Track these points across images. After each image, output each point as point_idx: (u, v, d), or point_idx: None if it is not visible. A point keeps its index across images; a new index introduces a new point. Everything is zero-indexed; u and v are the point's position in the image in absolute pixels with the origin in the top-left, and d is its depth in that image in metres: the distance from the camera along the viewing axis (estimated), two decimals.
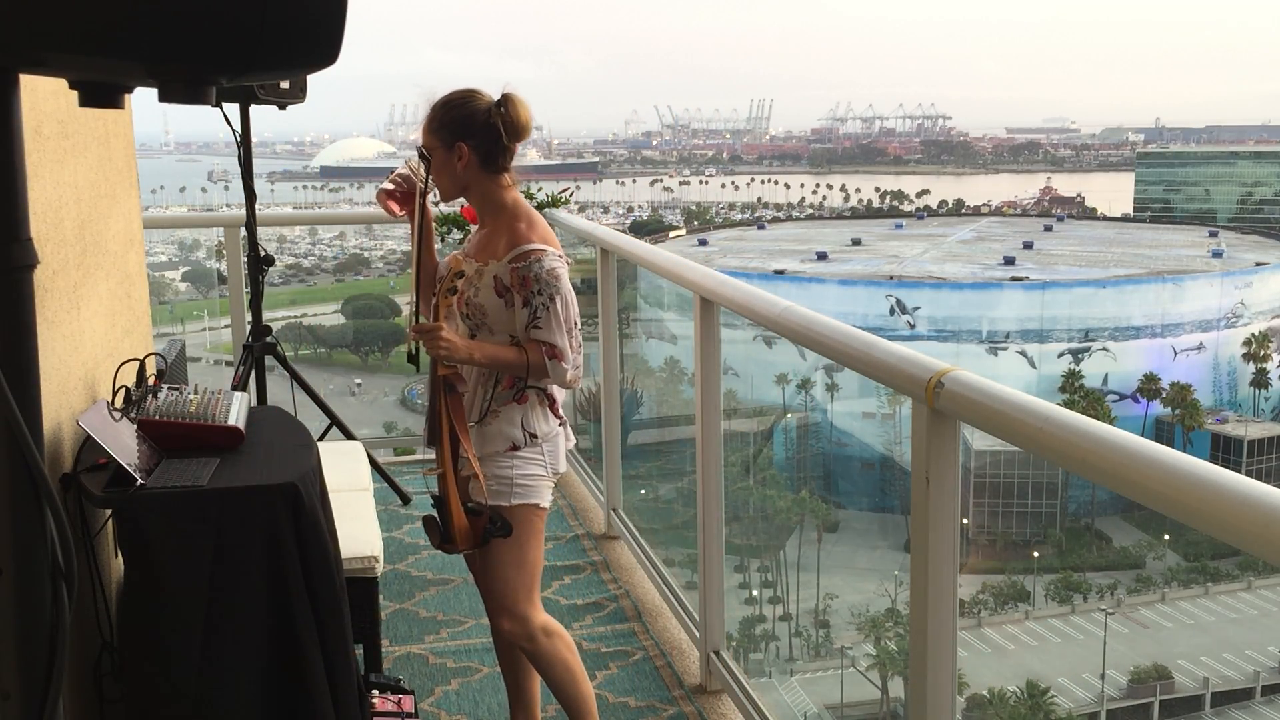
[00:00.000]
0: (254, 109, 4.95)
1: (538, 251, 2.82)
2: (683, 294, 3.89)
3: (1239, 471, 1.60)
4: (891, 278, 53.48)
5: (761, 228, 77.51)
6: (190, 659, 2.38)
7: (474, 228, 3.13)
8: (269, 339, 5.11)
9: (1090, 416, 1.92)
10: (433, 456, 2.98)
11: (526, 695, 3.24)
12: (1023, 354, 50.28)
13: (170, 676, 2.40)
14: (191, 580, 2.38)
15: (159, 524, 2.38)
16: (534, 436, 2.90)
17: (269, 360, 5.13)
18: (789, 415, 45.66)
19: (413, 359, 2.91)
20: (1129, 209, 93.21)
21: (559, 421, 2.99)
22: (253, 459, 2.61)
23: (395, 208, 3.02)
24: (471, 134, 2.84)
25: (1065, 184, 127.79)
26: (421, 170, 2.92)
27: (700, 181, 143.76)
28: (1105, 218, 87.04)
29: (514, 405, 2.89)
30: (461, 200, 3.04)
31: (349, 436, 5.27)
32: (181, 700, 2.40)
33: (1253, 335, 52.23)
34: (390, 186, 3.02)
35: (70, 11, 1.22)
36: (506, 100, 2.85)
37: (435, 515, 2.91)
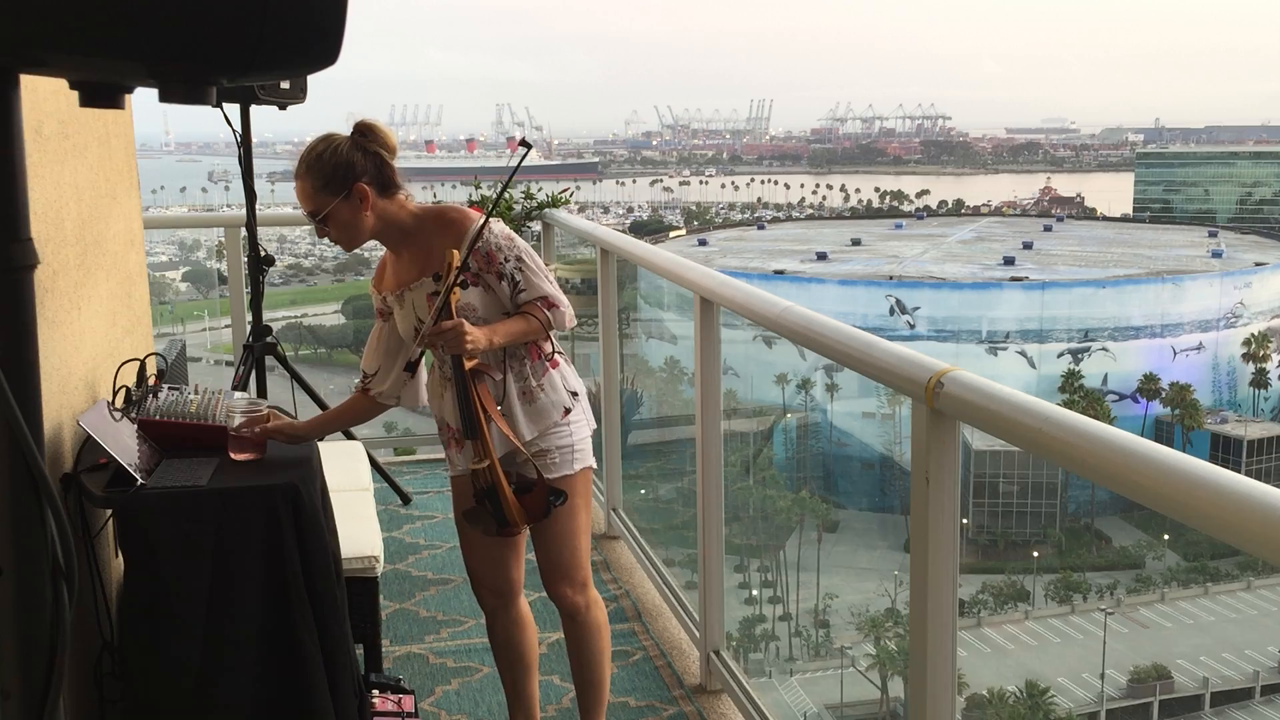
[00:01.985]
0: (254, 109, 4.95)
1: (481, 227, 2.82)
2: (683, 294, 3.89)
3: (1239, 471, 1.60)
4: (891, 278, 53.48)
5: (761, 228, 77.55)
6: (190, 658, 2.38)
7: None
8: (269, 339, 5.12)
9: (1090, 416, 1.92)
10: (442, 456, 3.02)
11: (526, 695, 3.24)
12: (1022, 354, 50.29)
13: (170, 676, 2.40)
14: (191, 580, 2.38)
15: (159, 524, 2.39)
16: (575, 395, 2.95)
17: (269, 360, 5.14)
18: (789, 415, 45.69)
19: (409, 368, 2.86)
20: (1129, 209, 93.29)
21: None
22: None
23: (250, 456, 2.66)
24: (361, 171, 2.78)
25: (1065, 184, 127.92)
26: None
27: (700, 182, 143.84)
28: (1105, 218, 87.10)
29: (552, 373, 2.92)
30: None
31: (349, 436, 5.26)
32: (182, 699, 2.40)
33: (1252, 335, 52.26)
34: (244, 435, 2.66)
35: (70, 11, 1.21)
36: (367, 129, 2.82)
37: (481, 506, 2.84)
